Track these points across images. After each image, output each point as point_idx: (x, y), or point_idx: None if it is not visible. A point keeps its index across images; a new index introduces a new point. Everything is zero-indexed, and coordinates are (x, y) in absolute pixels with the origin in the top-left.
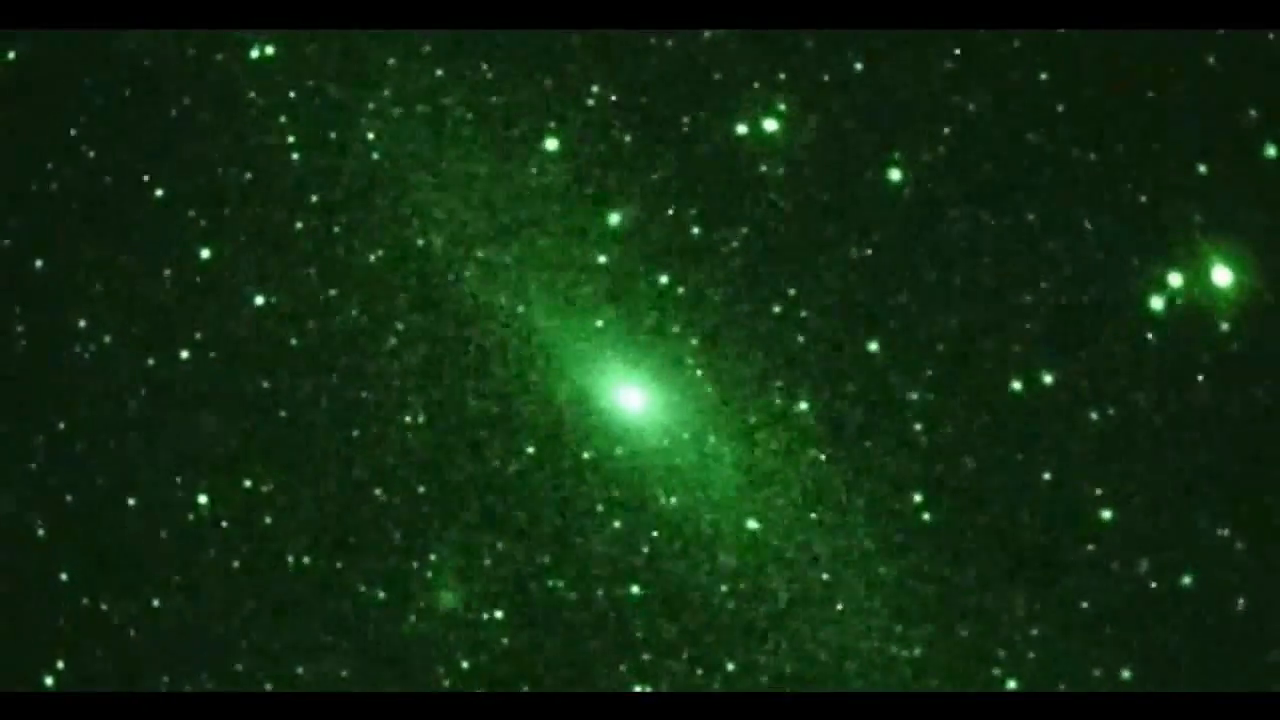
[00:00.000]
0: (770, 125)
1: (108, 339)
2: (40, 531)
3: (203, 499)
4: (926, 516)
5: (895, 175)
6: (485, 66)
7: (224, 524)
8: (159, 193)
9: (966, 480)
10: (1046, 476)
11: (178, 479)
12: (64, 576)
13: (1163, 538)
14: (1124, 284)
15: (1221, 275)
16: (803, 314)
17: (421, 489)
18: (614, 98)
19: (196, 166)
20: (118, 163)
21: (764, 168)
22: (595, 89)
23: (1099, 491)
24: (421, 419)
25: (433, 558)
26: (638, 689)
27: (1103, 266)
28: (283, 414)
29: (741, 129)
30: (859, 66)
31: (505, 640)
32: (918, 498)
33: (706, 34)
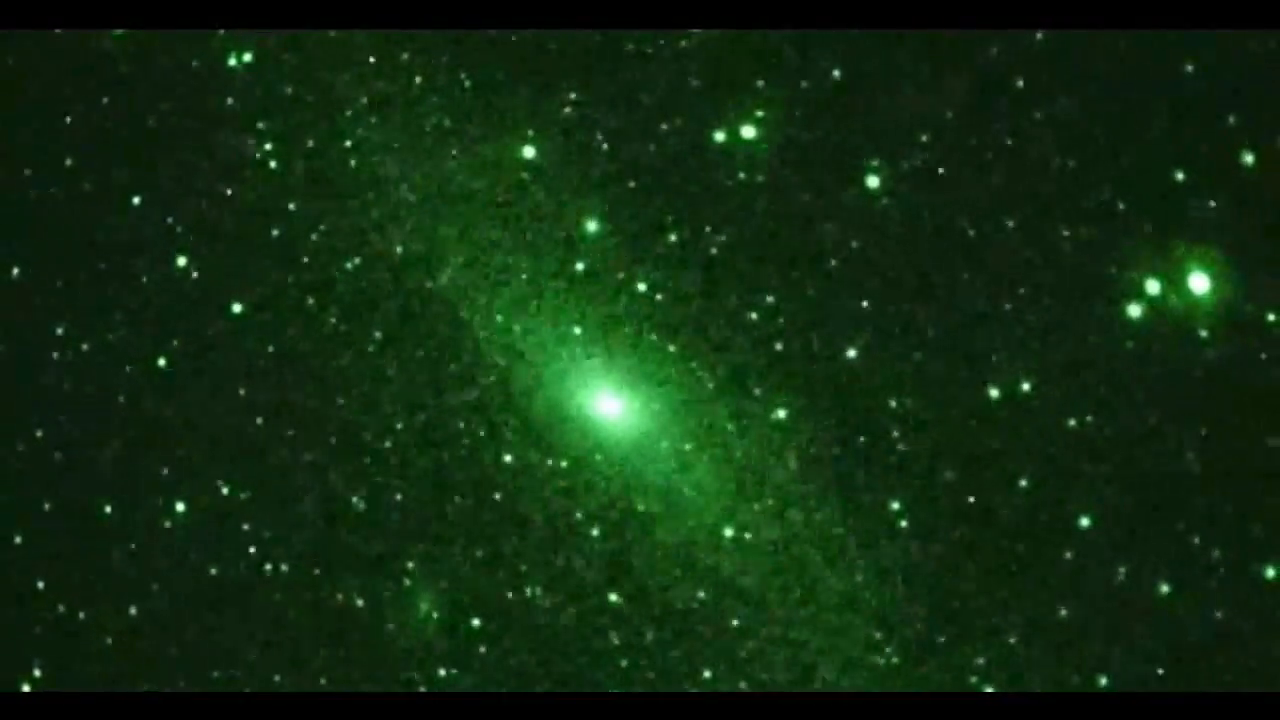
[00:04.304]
0: (748, 132)
1: (85, 346)
2: (17, 539)
3: (180, 506)
4: (904, 524)
5: (873, 182)
6: (463, 74)
7: (201, 532)
8: (136, 200)
9: (944, 487)
10: (1024, 484)
11: (155, 486)
12: (41, 584)
13: (1140, 545)
14: (1102, 291)
15: (1199, 283)
16: (781, 321)
17: (399, 497)
18: (591, 104)
19: (174, 174)
20: (95, 170)
21: (742, 174)
22: (572, 95)
23: (1076, 499)
24: (399, 427)
25: (410, 565)
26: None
27: (1080, 274)
28: (260, 421)
29: (719, 135)
30: (837, 73)
31: (483, 648)
32: (895, 505)
33: (684, 41)
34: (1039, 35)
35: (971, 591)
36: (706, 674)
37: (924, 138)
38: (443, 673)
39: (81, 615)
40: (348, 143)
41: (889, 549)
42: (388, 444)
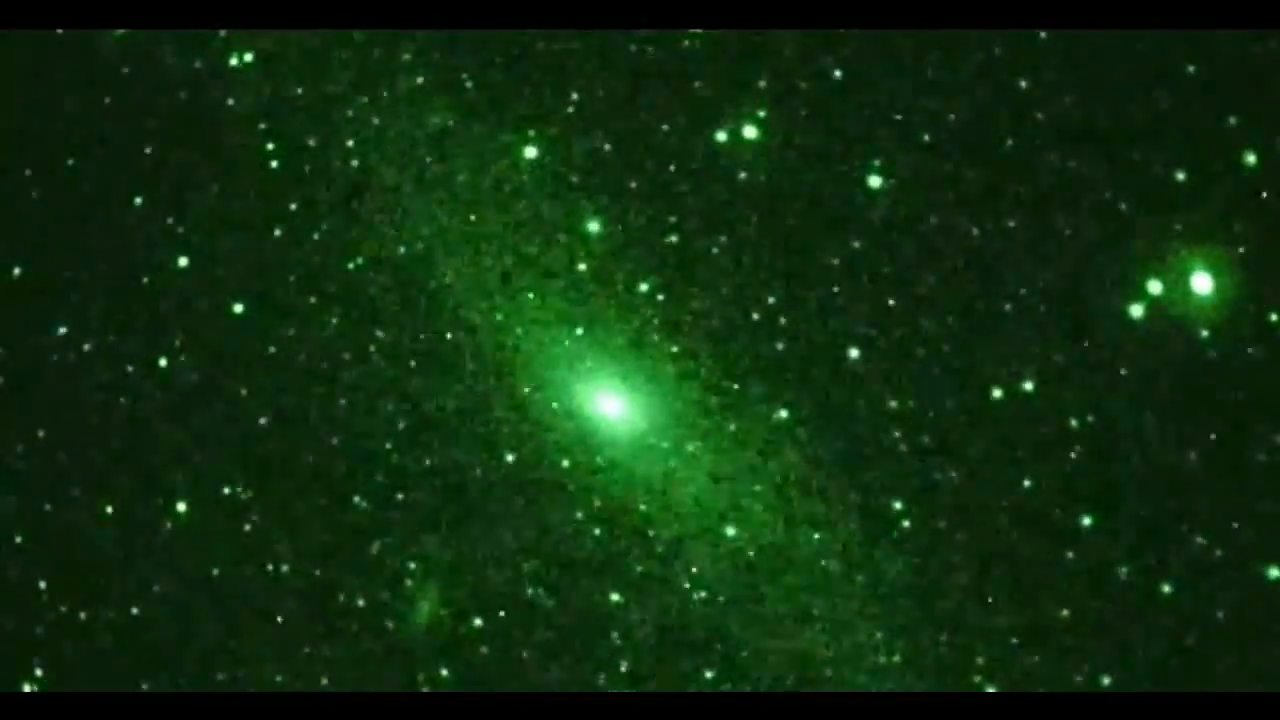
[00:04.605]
0: (750, 132)
1: (87, 347)
2: (19, 539)
3: (182, 507)
4: (906, 524)
5: (875, 182)
6: (464, 74)
7: (203, 532)
8: (138, 200)
9: (946, 487)
10: (1027, 483)
11: (156, 487)
12: (42, 584)
13: (1143, 545)
14: (1104, 291)
15: (1202, 283)
16: (783, 321)
17: (400, 497)
18: (594, 104)
19: (175, 174)
20: (96, 170)
21: (744, 174)
22: (575, 96)
23: (1079, 499)
24: (401, 427)
25: (412, 566)
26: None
27: (1083, 274)
28: (262, 422)
29: (721, 136)
30: (839, 73)
31: (485, 648)
32: (898, 505)
33: (686, 41)
34: (1041, 35)
35: (973, 591)
36: (708, 674)
37: (925, 138)
38: (444, 673)
39: (82, 616)
40: (349, 143)
41: (891, 549)
42: (389, 444)
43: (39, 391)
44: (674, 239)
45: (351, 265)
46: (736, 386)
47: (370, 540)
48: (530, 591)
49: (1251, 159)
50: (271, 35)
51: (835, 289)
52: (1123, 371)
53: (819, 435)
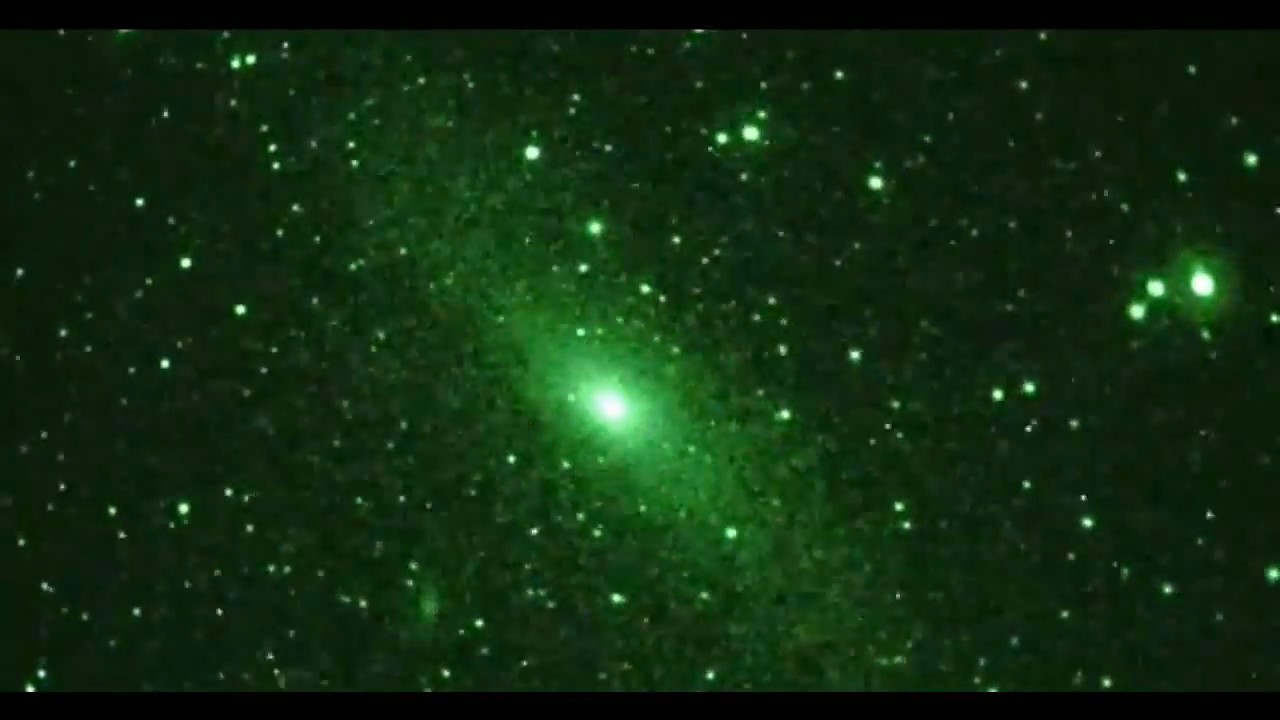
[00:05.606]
0: (751, 133)
1: (89, 348)
2: (21, 540)
3: (184, 508)
4: (908, 525)
5: (876, 183)
6: (466, 75)
7: (205, 533)
8: (140, 201)
9: (948, 488)
10: (1027, 484)
11: (159, 487)
12: (45, 586)
13: (1143, 546)
14: (1105, 292)
15: (1203, 283)
16: (784, 322)
17: (403, 498)
18: (595, 105)
19: (178, 175)
20: (99, 171)
21: (745, 176)
22: (576, 97)
23: (1080, 499)
24: (403, 428)
25: (414, 566)
26: None
27: (1084, 275)
28: (264, 423)
29: (722, 137)
30: (840, 74)
31: (486, 649)
32: (899, 506)
33: (687, 42)
34: (1041, 35)
35: (975, 592)
36: (709, 675)
37: (927, 139)
38: (446, 674)
39: (85, 616)
40: (351, 144)
41: (892, 550)
42: (391, 445)
43: (41, 392)
44: (675, 240)
45: (352, 266)
46: (738, 388)
47: (371, 541)
48: (531, 592)
49: (1252, 159)
50: (273, 36)
51: (836, 290)
52: (1124, 372)
53: (820, 436)
